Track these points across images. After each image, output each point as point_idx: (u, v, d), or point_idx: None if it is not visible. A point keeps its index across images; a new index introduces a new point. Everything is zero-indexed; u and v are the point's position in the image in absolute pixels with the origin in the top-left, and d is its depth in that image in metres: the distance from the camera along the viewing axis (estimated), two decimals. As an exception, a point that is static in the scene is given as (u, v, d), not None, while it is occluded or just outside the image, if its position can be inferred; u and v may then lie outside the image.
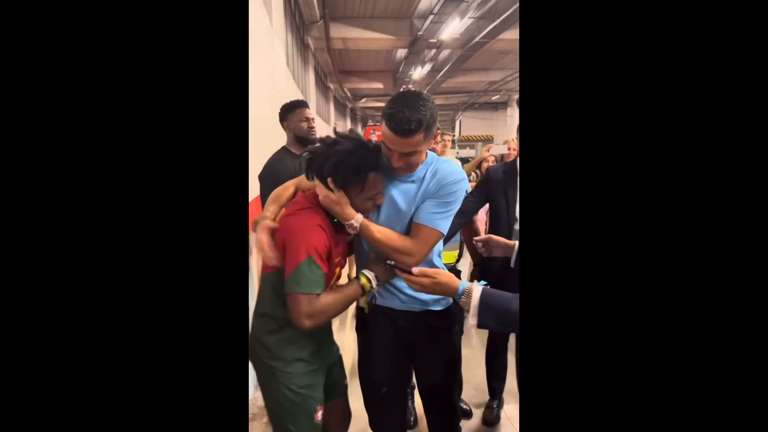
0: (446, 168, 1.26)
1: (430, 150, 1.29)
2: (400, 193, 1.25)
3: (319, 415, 1.27)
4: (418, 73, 12.74)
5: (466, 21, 8.14)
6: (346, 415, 1.46)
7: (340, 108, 19.06)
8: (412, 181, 1.26)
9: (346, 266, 1.45)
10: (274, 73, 4.04)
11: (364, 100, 20.83)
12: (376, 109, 23.00)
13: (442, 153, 4.95)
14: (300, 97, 7.43)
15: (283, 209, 1.26)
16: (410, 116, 1.10)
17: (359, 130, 24.11)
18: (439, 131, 1.31)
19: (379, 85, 16.00)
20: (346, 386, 1.45)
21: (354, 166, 1.13)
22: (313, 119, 2.11)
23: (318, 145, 1.23)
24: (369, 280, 1.19)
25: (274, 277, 1.20)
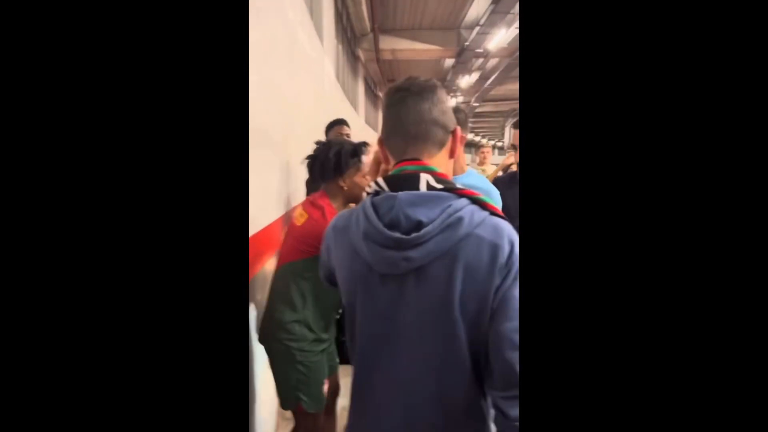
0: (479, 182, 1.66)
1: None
2: None
3: (325, 387, 1.58)
4: (466, 81, 12.84)
5: (513, 31, 8.22)
6: (336, 388, 1.81)
7: (389, 116, 19.26)
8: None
9: None
10: (324, 88, 4.36)
11: (412, 107, 20.96)
12: (425, 116, 22.99)
13: (482, 162, 5.12)
14: (349, 107, 7.76)
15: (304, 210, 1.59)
16: None
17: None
18: (465, 137, 1.65)
19: (428, 94, 16.07)
20: (337, 364, 1.78)
21: (351, 151, 1.55)
22: (348, 135, 2.46)
23: (311, 155, 1.63)
24: None
25: (294, 267, 1.52)
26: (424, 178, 0.81)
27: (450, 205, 0.78)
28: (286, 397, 1.55)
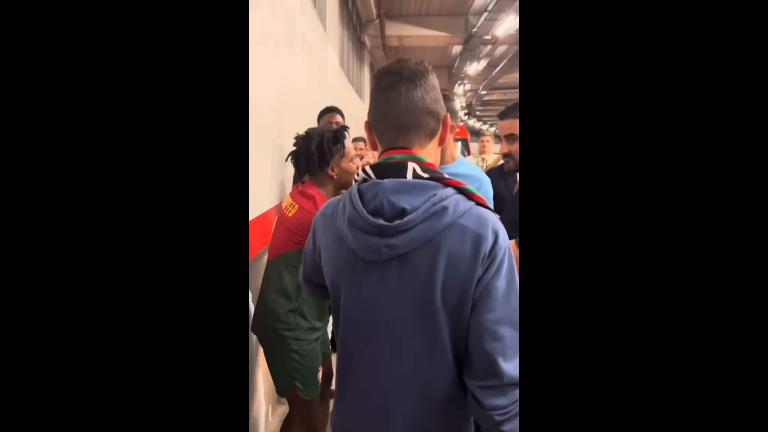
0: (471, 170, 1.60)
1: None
2: None
3: (320, 374, 1.61)
4: (474, 68, 12.68)
5: (522, 17, 8.06)
6: (330, 375, 1.84)
7: (396, 103, 19.12)
8: (449, 174, 1.57)
9: None
10: (327, 76, 4.29)
11: (419, 95, 20.78)
12: (432, 104, 22.85)
13: (483, 151, 5.04)
14: (354, 95, 7.67)
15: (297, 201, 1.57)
16: None
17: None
18: (455, 126, 1.61)
19: (435, 81, 15.93)
20: (330, 351, 1.80)
21: (332, 138, 1.54)
22: (337, 123, 2.41)
23: (293, 150, 1.62)
24: None
25: (288, 258, 1.52)
26: (411, 167, 0.80)
27: (435, 194, 0.77)
28: (282, 385, 1.57)
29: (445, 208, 0.76)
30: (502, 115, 1.54)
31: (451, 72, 14.63)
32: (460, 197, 0.79)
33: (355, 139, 2.73)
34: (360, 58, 9.43)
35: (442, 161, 1.62)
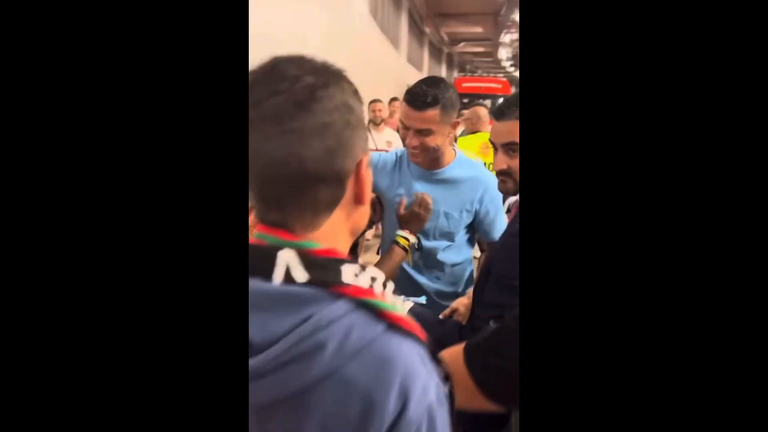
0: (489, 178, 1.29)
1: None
2: (431, 191, 1.24)
3: None
4: (522, 16, 11.80)
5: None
6: None
7: (436, 53, 18.46)
8: (444, 180, 1.29)
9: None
10: (353, 26, 3.86)
11: (462, 44, 19.96)
12: (475, 54, 21.95)
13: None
14: (388, 46, 7.17)
15: None
16: (427, 91, 1.19)
17: (454, 76, 23.25)
18: (459, 121, 1.31)
19: (479, 29, 15.16)
20: None
21: None
22: None
23: None
24: (405, 238, 1.23)
25: None
26: (284, 261, 0.47)
27: (310, 316, 0.45)
28: None
29: (320, 346, 0.44)
30: (499, 113, 0.97)
31: (497, 19, 13.70)
32: (357, 318, 0.46)
33: (374, 101, 2.54)
34: (397, 4, 8.78)
35: (438, 165, 1.29)
